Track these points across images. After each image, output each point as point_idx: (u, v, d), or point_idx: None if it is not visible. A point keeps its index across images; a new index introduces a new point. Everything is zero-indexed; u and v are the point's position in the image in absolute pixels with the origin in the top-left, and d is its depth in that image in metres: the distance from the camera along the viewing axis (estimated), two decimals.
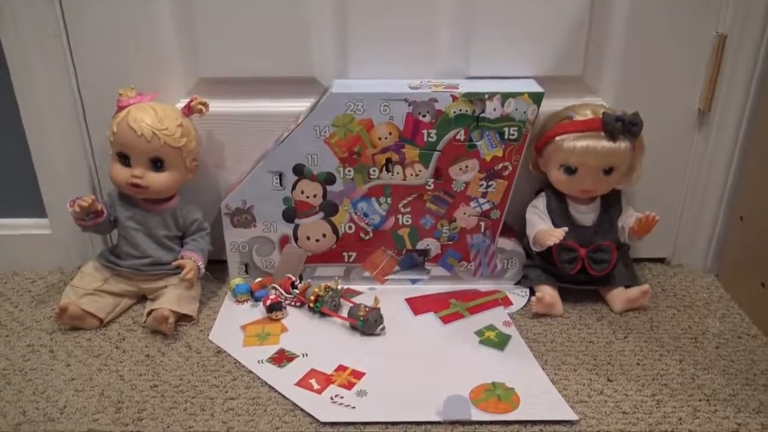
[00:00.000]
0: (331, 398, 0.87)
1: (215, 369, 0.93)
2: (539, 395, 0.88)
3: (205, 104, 1.03)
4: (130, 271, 1.05)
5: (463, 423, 0.83)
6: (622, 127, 0.98)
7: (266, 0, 1.01)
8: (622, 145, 1.00)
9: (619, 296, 1.06)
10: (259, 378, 0.91)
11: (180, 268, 1.02)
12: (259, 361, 0.94)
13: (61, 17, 1.01)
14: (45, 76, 1.04)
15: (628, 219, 1.05)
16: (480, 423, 0.83)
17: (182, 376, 0.92)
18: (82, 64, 1.05)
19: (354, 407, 0.85)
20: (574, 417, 0.84)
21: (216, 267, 1.13)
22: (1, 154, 1.12)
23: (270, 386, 0.89)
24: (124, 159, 1.01)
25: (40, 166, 1.10)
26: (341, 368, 0.92)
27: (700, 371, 0.93)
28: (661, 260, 1.22)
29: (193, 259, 1.03)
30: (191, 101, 1.03)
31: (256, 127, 1.07)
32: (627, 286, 1.07)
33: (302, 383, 0.90)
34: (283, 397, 0.88)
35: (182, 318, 1.02)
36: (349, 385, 0.89)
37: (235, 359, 0.95)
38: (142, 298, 1.08)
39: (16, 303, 1.09)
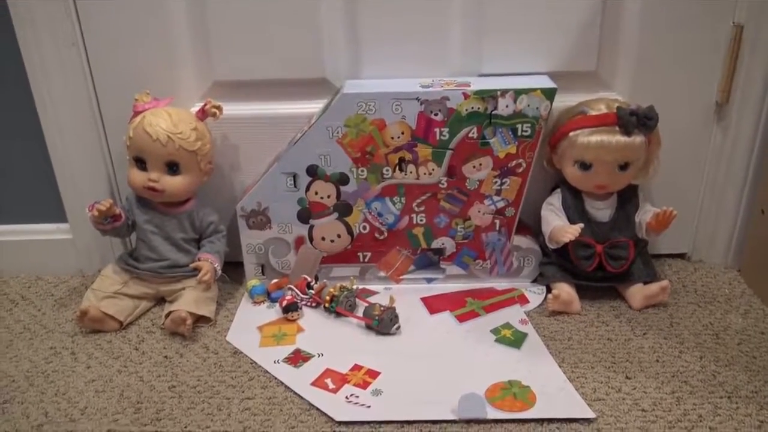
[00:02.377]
0: (347, 398, 0.87)
1: (232, 369, 0.94)
2: (556, 393, 0.87)
3: (219, 107, 1.04)
4: (149, 274, 1.06)
5: (478, 421, 0.83)
6: (637, 121, 0.97)
7: (278, 3, 1.02)
8: (637, 139, 0.99)
9: (637, 292, 1.05)
10: (276, 378, 0.92)
11: (197, 270, 1.04)
12: (275, 362, 0.95)
13: (78, 27, 1.03)
14: (63, 84, 1.06)
15: (645, 214, 1.04)
16: (496, 421, 0.83)
17: (200, 377, 0.93)
18: (99, 72, 1.06)
19: (369, 406, 0.85)
20: (591, 415, 0.83)
21: (232, 268, 1.14)
22: (22, 162, 1.14)
23: (286, 386, 0.90)
24: (141, 163, 1.02)
25: (60, 172, 1.13)
26: (356, 368, 0.92)
27: (722, 368, 0.92)
28: (682, 256, 1.20)
29: (209, 261, 1.05)
30: (205, 105, 1.04)
31: (269, 129, 1.08)
32: (646, 283, 1.06)
33: (318, 383, 0.90)
34: (299, 396, 0.88)
35: (200, 319, 1.04)
36: (364, 385, 0.89)
37: (251, 360, 0.96)
38: (160, 300, 1.09)
39: (39, 306, 1.12)
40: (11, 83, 1.07)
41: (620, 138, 0.98)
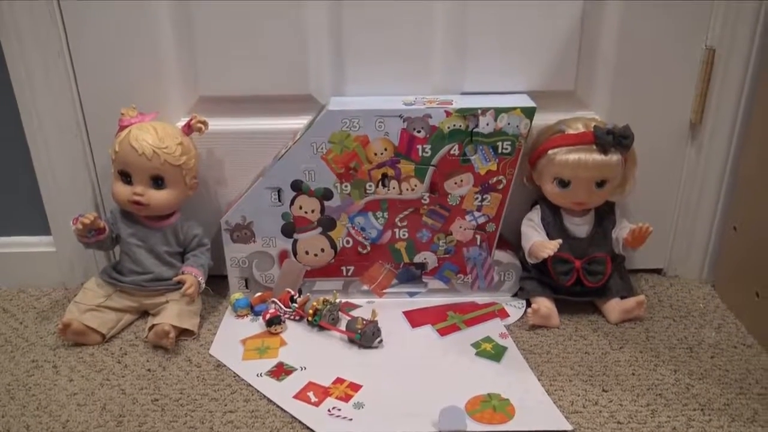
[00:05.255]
0: (329, 411, 0.88)
1: (215, 383, 0.94)
2: (534, 406, 0.89)
3: (204, 123, 1.05)
4: (132, 287, 1.06)
5: None
6: (613, 140, 1.00)
7: (264, 20, 1.03)
8: (614, 157, 1.01)
9: (614, 307, 1.07)
10: (258, 391, 0.92)
11: (181, 283, 1.04)
12: (258, 375, 0.95)
13: (64, 37, 1.04)
14: (48, 95, 1.06)
15: (622, 230, 1.06)
16: None
17: (182, 390, 0.93)
18: (84, 84, 1.07)
19: (351, 419, 0.86)
20: (569, 427, 0.85)
21: (216, 282, 1.14)
22: (5, 173, 1.14)
23: (268, 399, 0.91)
24: (126, 177, 1.03)
25: (44, 184, 1.13)
26: (339, 381, 0.93)
27: (695, 381, 0.94)
28: (657, 271, 1.23)
29: (193, 275, 1.05)
30: (191, 120, 1.05)
31: (254, 145, 1.10)
32: (623, 297, 1.08)
33: (300, 396, 0.91)
34: (282, 409, 0.89)
35: (183, 333, 1.04)
36: (346, 398, 0.90)
37: (234, 373, 0.96)
38: (143, 313, 1.09)
39: (21, 319, 1.11)
40: None
41: (597, 156, 1.01)
